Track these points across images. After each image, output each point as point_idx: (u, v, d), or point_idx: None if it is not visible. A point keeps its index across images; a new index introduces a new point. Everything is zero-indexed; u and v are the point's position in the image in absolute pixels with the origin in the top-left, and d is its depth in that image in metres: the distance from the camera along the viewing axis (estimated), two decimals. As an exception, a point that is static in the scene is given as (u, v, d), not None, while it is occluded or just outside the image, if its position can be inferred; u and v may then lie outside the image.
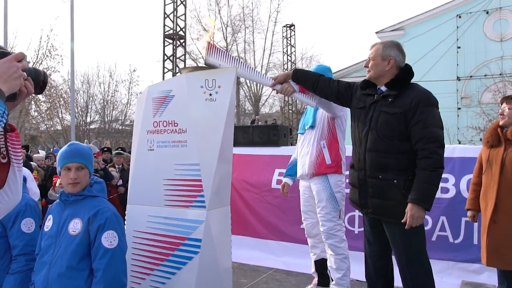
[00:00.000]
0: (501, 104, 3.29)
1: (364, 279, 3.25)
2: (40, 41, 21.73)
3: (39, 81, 1.41)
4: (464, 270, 4.23)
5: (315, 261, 3.90)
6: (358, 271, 3.98)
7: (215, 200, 2.92)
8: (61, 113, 25.60)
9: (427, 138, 2.59)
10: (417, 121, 2.61)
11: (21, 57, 1.31)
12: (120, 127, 29.53)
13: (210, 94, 2.90)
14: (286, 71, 24.91)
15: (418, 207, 2.56)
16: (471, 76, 19.62)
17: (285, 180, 4.05)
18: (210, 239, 2.86)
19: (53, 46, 21.81)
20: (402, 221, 2.59)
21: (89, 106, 27.89)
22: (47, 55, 21.68)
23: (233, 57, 3.14)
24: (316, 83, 3.11)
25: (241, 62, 3.18)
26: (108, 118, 28.42)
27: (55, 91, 23.56)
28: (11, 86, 1.27)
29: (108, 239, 2.23)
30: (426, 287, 2.73)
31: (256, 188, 5.40)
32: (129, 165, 7.26)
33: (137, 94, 28.26)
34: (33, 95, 1.49)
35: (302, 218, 3.92)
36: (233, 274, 3.18)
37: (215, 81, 2.91)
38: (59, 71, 31.16)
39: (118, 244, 2.25)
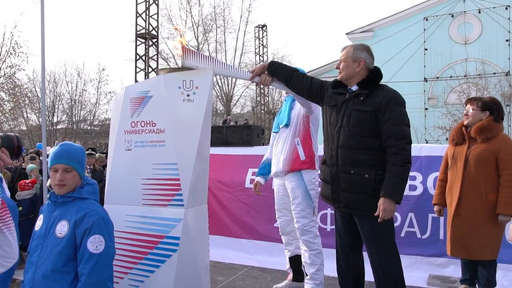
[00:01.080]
0: (466, 105, 3.49)
1: (336, 275, 3.36)
2: (3, 38, 21.08)
3: (14, 147, 1.38)
4: (431, 264, 4.40)
5: (290, 258, 3.98)
6: (330, 268, 4.10)
7: (193, 198, 2.97)
8: (26, 112, 24.88)
9: (396, 135, 2.72)
10: (387, 119, 2.74)
11: None
12: (89, 128, 28.92)
13: (188, 95, 2.95)
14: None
15: (390, 200, 2.68)
16: (437, 78, 20.28)
17: (257, 179, 4.09)
18: (188, 237, 2.91)
19: (17, 44, 21.18)
20: (375, 214, 2.71)
21: (56, 106, 27.20)
22: (11, 53, 21.04)
23: (209, 57, 3.20)
24: (289, 77, 3.18)
25: (217, 61, 3.23)
26: (76, 118, 27.78)
27: (19, 90, 22.84)
28: None
29: (94, 244, 2.19)
30: (396, 277, 2.85)
31: (230, 187, 5.45)
32: (100, 166, 7.22)
33: (106, 94, 27.79)
34: None
35: (276, 216, 3.96)
36: (209, 272, 3.22)
37: (192, 82, 2.96)
38: (24, 70, 30.30)
39: (104, 249, 2.22)
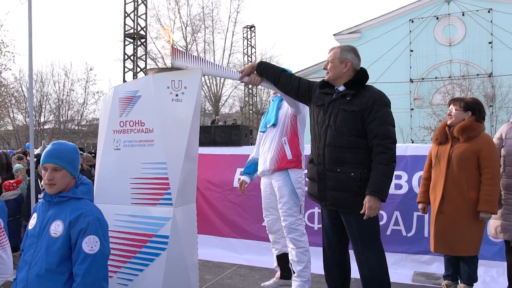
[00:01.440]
0: (449, 106, 3.59)
1: (323, 272, 3.41)
2: (-11, 37, 20.82)
3: (2, 164, 1.42)
4: (416, 261, 4.49)
5: (277, 256, 4.01)
6: (318, 266, 4.16)
7: (182, 197, 2.99)
8: (12, 112, 24.57)
9: (382, 134, 2.78)
10: (373, 119, 2.80)
11: None
12: (76, 128, 28.66)
13: (177, 95, 2.97)
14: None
15: (375, 198, 2.74)
16: (423, 79, 20.57)
17: (243, 178, 4.11)
18: (177, 236, 2.93)
19: (3, 43, 20.93)
20: (361, 212, 2.76)
21: (43, 106, 26.92)
22: (-4, 52, 20.78)
23: (198, 57, 3.23)
24: (278, 77, 3.22)
25: (207, 61, 3.26)
26: (64, 118, 27.52)
27: (5, 90, 22.56)
28: None
29: (89, 244, 2.18)
30: (381, 274, 2.91)
31: (218, 187, 5.47)
32: (88, 165, 7.20)
33: (94, 94, 27.59)
34: None
35: (264, 215, 3.99)
36: (197, 271, 3.25)
37: (181, 82, 2.99)
38: (10, 69, 29.91)
39: (100, 250, 2.21)
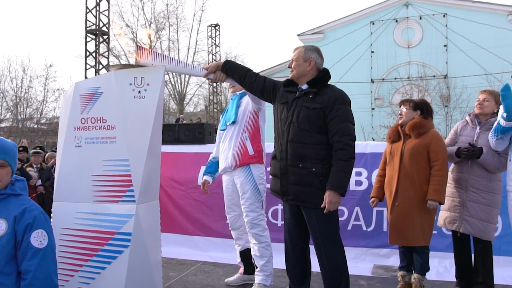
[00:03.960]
0: (400, 107, 3.80)
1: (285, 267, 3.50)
2: None
3: None
4: (375, 255, 4.66)
5: (240, 252, 4.06)
6: (281, 261, 4.25)
7: (145, 194, 2.99)
8: (-35, 110, 23.42)
9: (342, 131, 2.89)
10: (333, 116, 2.91)
11: None
12: (35, 126, 27.64)
13: (139, 92, 2.97)
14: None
15: (335, 193, 2.84)
16: (383, 79, 21.16)
17: (205, 177, 4.10)
18: (140, 233, 2.93)
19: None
20: (321, 206, 2.86)
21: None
22: None
23: (163, 55, 3.24)
24: (243, 76, 3.28)
25: (172, 58, 3.27)
26: (22, 116, 26.48)
27: (-43, 87, 21.47)
28: None
29: (38, 239, 2.14)
30: (341, 267, 3.02)
31: (182, 185, 5.46)
32: (47, 164, 7.01)
33: (54, 91, 26.68)
34: None
35: (226, 212, 4.02)
36: (160, 268, 3.25)
37: (143, 79, 2.98)
38: (-38, 65, 28.46)
39: (48, 243, 2.18)
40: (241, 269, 4.10)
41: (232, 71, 3.30)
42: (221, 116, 4.14)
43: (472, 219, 3.43)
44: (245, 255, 4.02)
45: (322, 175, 2.91)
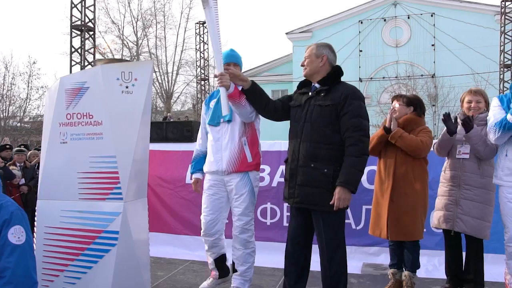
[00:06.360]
0: (392, 102, 3.77)
1: (275, 266, 3.45)
2: None
3: None
4: (364, 253, 4.65)
5: (215, 259, 3.66)
6: (269, 260, 4.21)
7: (132, 192, 2.94)
8: None
9: (354, 127, 2.85)
10: (345, 112, 2.87)
11: None
12: (19, 124, 27.20)
13: (127, 87, 2.91)
14: (199, 67, 24.87)
15: (345, 189, 2.78)
16: (371, 78, 21.32)
17: (196, 176, 3.71)
18: (127, 231, 2.88)
19: None
20: (330, 203, 2.80)
21: (-20, 101, 25.34)
22: None
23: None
24: (265, 103, 3.26)
25: (217, 27, 3.14)
26: (4, 114, 26.03)
27: None
28: None
29: (16, 235, 2.07)
30: (341, 271, 2.98)
31: (170, 184, 5.40)
32: (31, 163, 6.87)
33: (38, 89, 26.29)
34: None
35: (205, 214, 3.55)
36: (148, 268, 3.19)
37: (131, 74, 2.93)
38: None
39: (26, 240, 2.10)
40: (214, 274, 3.74)
41: (257, 96, 3.25)
42: (204, 103, 3.74)
43: (466, 217, 3.43)
44: (220, 260, 3.69)
45: (334, 177, 2.84)
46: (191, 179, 3.79)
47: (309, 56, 3.09)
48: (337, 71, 3.07)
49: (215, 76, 3.18)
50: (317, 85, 3.06)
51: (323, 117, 2.92)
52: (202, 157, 3.68)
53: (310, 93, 3.06)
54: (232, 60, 3.49)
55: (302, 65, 3.14)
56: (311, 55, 3.07)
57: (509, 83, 17.56)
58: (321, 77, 3.04)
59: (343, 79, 3.12)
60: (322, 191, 2.87)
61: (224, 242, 3.66)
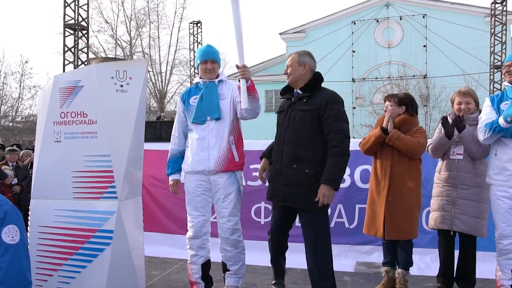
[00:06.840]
0: (385, 102, 3.81)
1: (269, 264, 3.52)
2: None
3: None
4: (357, 252, 4.69)
5: (202, 264, 3.47)
6: (263, 259, 4.19)
7: (127, 190, 2.94)
8: None
9: (335, 130, 3.01)
10: (327, 116, 3.03)
11: None
12: (11, 124, 26.96)
13: (121, 85, 2.91)
14: (193, 67, 24.80)
15: (329, 187, 2.96)
16: (364, 79, 21.41)
17: (174, 177, 3.50)
18: (122, 230, 2.88)
19: None
20: (315, 200, 2.95)
21: (-28, 100, 25.09)
22: None
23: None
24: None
25: (240, 20, 3.13)
26: (-4, 114, 25.82)
27: None
28: None
29: (10, 234, 2.07)
30: (327, 267, 3.11)
31: (164, 183, 5.36)
32: (23, 162, 6.83)
33: (30, 88, 26.09)
34: None
35: (192, 217, 3.43)
36: (143, 267, 3.19)
37: (126, 73, 2.93)
38: None
39: (20, 239, 2.11)
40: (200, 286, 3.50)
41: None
42: (181, 100, 3.54)
43: (463, 216, 3.46)
44: (206, 267, 3.51)
45: (315, 177, 3.00)
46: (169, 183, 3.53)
47: (291, 65, 3.22)
48: (318, 78, 3.24)
49: (238, 68, 3.10)
50: (299, 91, 3.21)
51: (305, 121, 3.09)
52: (180, 157, 3.51)
53: (292, 99, 3.22)
54: (210, 57, 3.40)
55: (286, 73, 3.27)
56: (294, 63, 3.21)
57: (498, 83, 17.77)
58: (303, 83, 3.20)
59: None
60: (304, 190, 3.04)
61: (210, 244, 3.54)
